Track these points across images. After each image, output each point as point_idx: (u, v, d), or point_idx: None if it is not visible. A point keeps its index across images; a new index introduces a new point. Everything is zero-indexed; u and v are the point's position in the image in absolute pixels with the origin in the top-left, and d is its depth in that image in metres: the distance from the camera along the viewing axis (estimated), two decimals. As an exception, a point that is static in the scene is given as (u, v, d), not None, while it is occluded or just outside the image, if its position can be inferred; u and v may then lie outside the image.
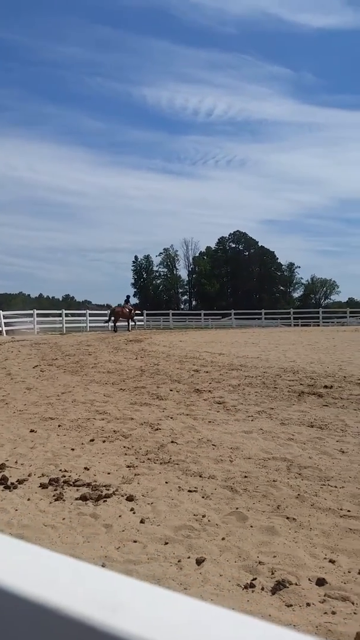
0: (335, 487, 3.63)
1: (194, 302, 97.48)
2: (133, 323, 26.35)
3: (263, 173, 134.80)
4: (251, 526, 3.05)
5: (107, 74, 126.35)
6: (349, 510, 3.22)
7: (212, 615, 0.35)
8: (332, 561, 2.66)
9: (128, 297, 27.76)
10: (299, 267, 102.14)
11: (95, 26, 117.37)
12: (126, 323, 25.78)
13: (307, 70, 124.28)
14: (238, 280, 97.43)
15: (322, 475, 3.89)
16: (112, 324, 25.61)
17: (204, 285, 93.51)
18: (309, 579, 2.49)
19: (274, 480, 3.77)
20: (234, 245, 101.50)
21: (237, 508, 3.30)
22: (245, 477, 3.87)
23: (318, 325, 37.65)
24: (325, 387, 7.78)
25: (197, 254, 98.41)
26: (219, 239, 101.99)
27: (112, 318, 25.54)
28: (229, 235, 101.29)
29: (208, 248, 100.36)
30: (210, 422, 5.66)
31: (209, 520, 3.13)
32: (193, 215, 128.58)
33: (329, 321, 41.08)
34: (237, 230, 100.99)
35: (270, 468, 4.07)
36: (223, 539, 2.90)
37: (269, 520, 3.11)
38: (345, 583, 2.45)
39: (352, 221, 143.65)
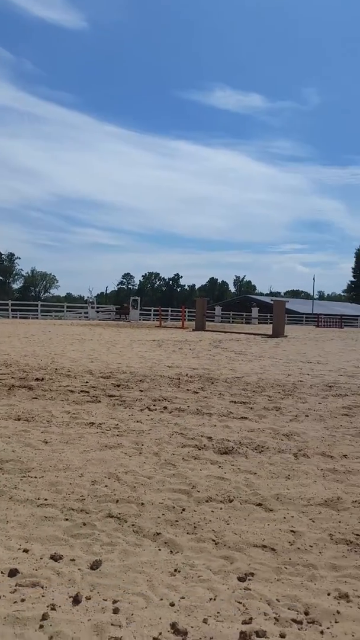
0: (35, 477, 3.71)
1: None
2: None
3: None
4: None
5: None
6: (45, 499, 3.32)
7: None
8: (25, 550, 2.71)
9: (132, 299, 38.81)
10: (19, 258, 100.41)
11: None
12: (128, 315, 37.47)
13: (27, 59, 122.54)
14: None
15: (24, 467, 3.91)
16: (125, 317, 37.34)
17: None
18: (2, 572, 2.48)
19: (-28, 479, 3.61)
20: None
21: None
22: None
23: (37, 318, 37.58)
24: (37, 379, 7.84)
25: None
26: None
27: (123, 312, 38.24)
28: None
29: None
30: None
31: None
32: None
33: (48, 314, 41.51)
34: None
35: (-30, 466, 3.89)
36: None
37: None
38: (36, 570, 2.52)
39: (70, 219, 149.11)
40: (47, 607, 2.20)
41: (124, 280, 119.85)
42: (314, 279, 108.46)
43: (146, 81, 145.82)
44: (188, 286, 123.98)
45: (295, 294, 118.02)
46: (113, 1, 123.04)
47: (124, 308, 39.75)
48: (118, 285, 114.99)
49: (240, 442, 4.77)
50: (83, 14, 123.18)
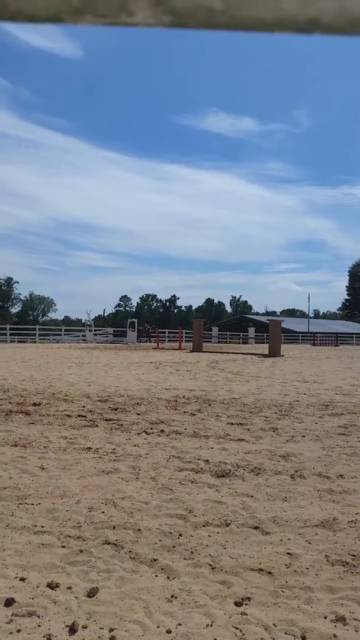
0: (32, 504, 3.70)
1: None
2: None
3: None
4: None
5: None
6: (42, 526, 3.32)
7: None
8: (22, 579, 2.70)
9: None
10: (17, 282, 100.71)
11: None
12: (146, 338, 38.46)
13: (24, 86, 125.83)
14: None
15: (21, 494, 3.91)
16: (148, 338, 37.80)
17: None
18: (-2, 602, 2.48)
19: (-31, 507, 3.61)
20: None
21: None
22: None
23: (35, 342, 37.55)
24: (34, 404, 7.84)
25: None
26: None
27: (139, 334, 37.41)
28: None
29: None
30: None
31: None
32: None
33: (46, 338, 41.45)
34: None
35: (-33, 494, 3.88)
36: None
37: None
38: (33, 598, 2.52)
39: (67, 242, 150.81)
40: (43, 637, 2.20)
41: (122, 302, 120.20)
42: (309, 297, 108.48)
43: (140, 107, 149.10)
44: (185, 307, 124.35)
45: (291, 312, 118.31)
46: (108, 30, 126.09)
47: (145, 330, 39.26)
48: (116, 307, 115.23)
49: (237, 465, 4.77)
50: (79, 42, 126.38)
